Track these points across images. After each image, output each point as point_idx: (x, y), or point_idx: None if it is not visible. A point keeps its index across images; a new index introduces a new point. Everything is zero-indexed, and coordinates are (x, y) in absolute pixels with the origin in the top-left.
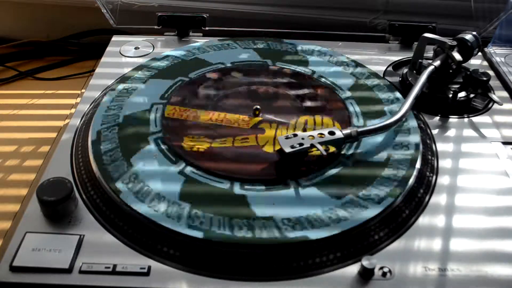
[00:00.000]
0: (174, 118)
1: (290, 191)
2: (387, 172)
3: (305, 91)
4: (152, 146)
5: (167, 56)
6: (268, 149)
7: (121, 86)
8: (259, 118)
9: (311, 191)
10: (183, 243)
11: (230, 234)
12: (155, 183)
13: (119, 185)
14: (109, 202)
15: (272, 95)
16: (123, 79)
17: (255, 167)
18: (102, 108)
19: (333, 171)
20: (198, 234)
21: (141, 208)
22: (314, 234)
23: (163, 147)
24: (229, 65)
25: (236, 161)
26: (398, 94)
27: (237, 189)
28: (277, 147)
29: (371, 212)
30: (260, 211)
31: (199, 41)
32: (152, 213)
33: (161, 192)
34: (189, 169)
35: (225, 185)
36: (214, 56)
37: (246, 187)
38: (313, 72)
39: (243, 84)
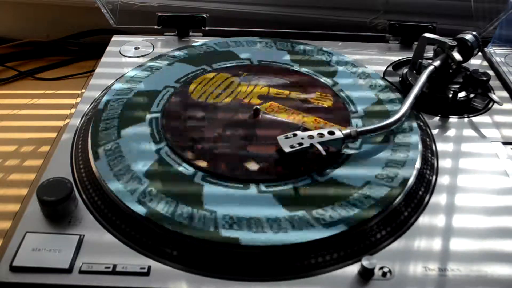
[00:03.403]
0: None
1: (248, 192)
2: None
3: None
4: (146, 124)
5: (203, 44)
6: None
7: (150, 64)
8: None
9: (268, 196)
10: (183, 243)
11: (170, 217)
12: (132, 158)
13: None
14: (109, 202)
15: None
16: (159, 56)
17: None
18: (125, 79)
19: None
20: (141, 211)
21: (116, 185)
22: (247, 237)
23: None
24: (255, 63)
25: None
26: (398, 94)
27: (197, 179)
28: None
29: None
30: (209, 204)
31: (199, 41)
32: (115, 185)
33: (131, 166)
34: (164, 150)
35: (188, 172)
36: (246, 51)
37: (207, 179)
38: (335, 83)
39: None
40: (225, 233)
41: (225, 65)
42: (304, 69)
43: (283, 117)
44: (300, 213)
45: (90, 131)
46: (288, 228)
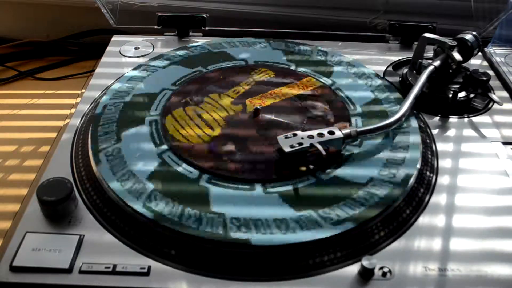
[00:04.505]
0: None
1: (254, 193)
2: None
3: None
4: (146, 126)
5: (198, 46)
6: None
7: (145, 66)
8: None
9: (274, 196)
10: (183, 243)
11: (178, 221)
12: (134, 162)
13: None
14: (109, 202)
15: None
16: (159, 56)
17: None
18: (121, 81)
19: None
20: (149, 214)
21: (116, 186)
22: (256, 238)
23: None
24: (251, 63)
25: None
26: (398, 94)
27: (202, 181)
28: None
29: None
30: (216, 207)
31: (199, 41)
32: (118, 188)
33: (134, 170)
34: (167, 154)
35: (193, 175)
36: (240, 52)
37: (212, 181)
38: (333, 83)
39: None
40: (235, 235)
41: (220, 67)
42: (303, 69)
43: (272, 101)
44: (307, 212)
45: (89, 134)
46: (296, 228)
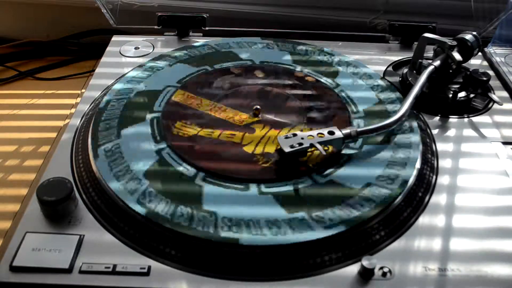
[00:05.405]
0: (179, 102)
1: (249, 193)
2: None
3: (315, 101)
4: (147, 124)
5: (205, 45)
6: (249, 149)
7: (149, 64)
8: (256, 119)
9: (268, 197)
10: (183, 243)
11: (169, 218)
12: (132, 158)
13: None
14: (109, 202)
15: (280, 98)
16: (161, 56)
17: (227, 164)
18: (125, 79)
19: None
20: (141, 211)
21: (116, 185)
22: (246, 238)
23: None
24: (257, 63)
25: (211, 153)
26: (398, 94)
27: (198, 179)
28: (268, 147)
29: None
30: (208, 205)
31: (200, 41)
32: (116, 187)
33: (130, 165)
34: (166, 151)
35: (189, 172)
36: (247, 52)
37: (207, 179)
38: (337, 85)
39: (258, 84)
40: (225, 234)
41: (226, 66)
42: (305, 70)
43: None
44: (300, 214)
45: (90, 131)
46: (287, 230)
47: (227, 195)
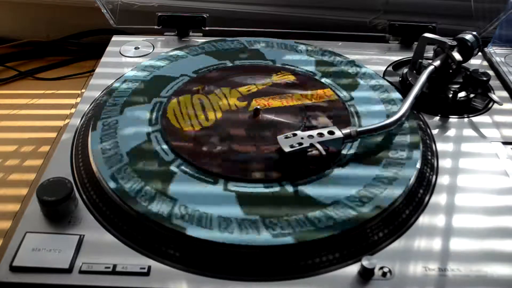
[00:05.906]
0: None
1: (214, 188)
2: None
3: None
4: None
5: (235, 40)
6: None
7: (173, 53)
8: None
9: (231, 195)
10: (183, 243)
11: (133, 196)
12: (122, 136)
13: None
14: (109, 202)
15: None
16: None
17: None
18: (140, 66)
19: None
20: (113, 185)
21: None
22: (194, 229)
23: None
24: (278, 65)
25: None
26: (398, 94)
27: (173, 166)
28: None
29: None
30: (173, 191)
31: (199, 41)
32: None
33: (119, 142)
34: (155, 134)
35: (168, 158)
36: (272, 54)
37: (182, 167)
38: (351, 98)
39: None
40: (176, 221)
41: (246, 63)
42: (326, 80)
43: (278, 105)
44: (254, 217)
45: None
46: (234, 228)
47: (194, 186)
